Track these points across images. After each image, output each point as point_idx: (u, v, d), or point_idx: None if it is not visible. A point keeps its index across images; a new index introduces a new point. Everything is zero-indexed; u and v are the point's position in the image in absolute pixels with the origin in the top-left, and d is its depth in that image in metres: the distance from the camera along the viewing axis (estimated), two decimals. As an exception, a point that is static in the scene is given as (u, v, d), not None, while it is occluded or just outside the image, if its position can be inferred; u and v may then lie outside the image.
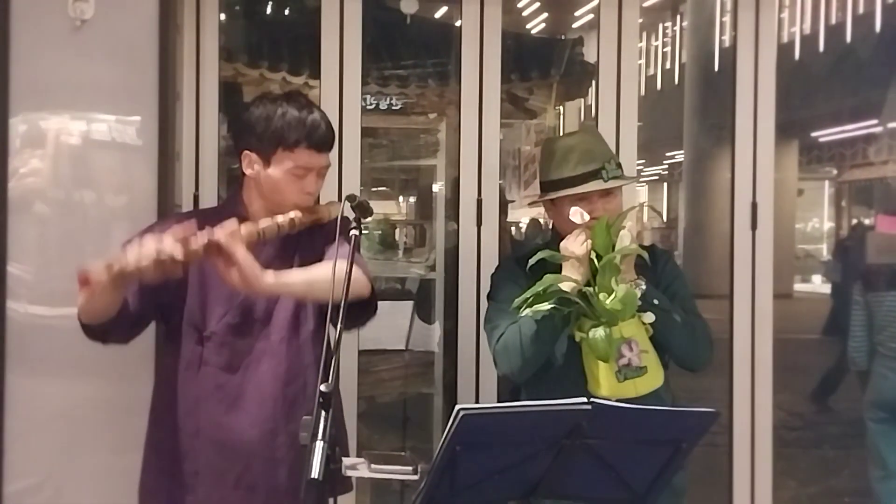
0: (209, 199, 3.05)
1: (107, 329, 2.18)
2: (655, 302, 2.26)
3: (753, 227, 3.32)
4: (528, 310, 2.21)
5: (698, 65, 15.98)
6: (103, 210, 2.77)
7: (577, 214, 2.27)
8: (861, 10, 16.18)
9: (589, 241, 2.22)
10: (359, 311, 2.17)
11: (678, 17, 19.71)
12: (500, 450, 1.74)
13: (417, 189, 7.04)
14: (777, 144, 3.37)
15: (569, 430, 1.73)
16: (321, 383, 1.73)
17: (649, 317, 2.24)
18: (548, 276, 2.21)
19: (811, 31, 17.92)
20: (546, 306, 2.20)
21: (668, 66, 21.38)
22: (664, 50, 21.57)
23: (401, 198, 8.40)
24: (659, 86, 21.26)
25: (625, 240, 2.21)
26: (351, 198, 2.07)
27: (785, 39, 17.69)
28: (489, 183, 3.24)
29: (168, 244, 1.97)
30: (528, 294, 2.20)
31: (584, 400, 1.72)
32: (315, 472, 1.64)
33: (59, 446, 2.76)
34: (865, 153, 17.02)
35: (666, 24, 20.99)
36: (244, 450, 2.21)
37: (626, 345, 2.19)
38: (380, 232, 6.77)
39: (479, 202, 3.22)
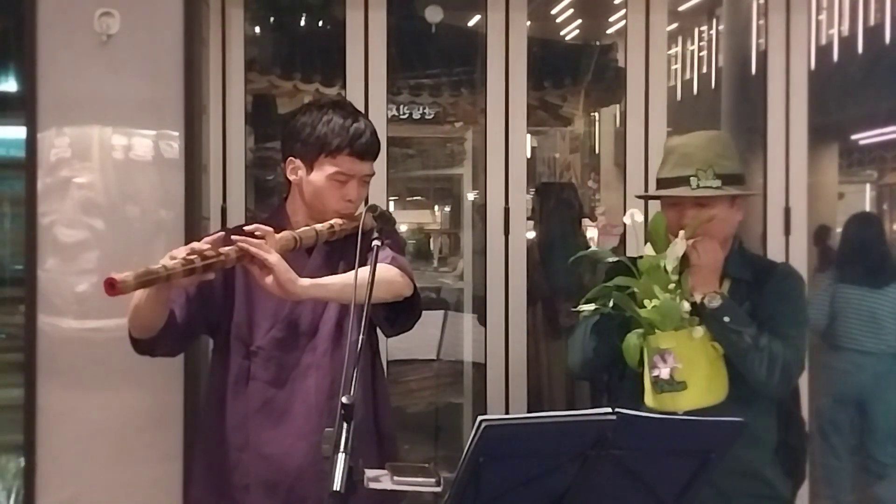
0: (237, 211, 3.07)
1: (155, 342, 2.17)
2: (725, 319, 2.14)
3: (787, 232, 3.27)
4: (582, 306, 2.21)
5: (734, 69, 15.75)
6: (132, 222, 2.79)
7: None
8: (901, 10, 15.90)
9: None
10: (402, 312, 2.19)
11: (714, 20, 19.53)
12: (523, 461, 1.71)
13: (451, 198, 7.02)
14: (816, 148, 3.33)
15: (594, 441, 1.69)
16: (343, 395, 1.71)
17: (697, 332, 2.12)
18: (619, 277, 2.17)
19: (849, 32, 17.65)
20: (591, 306, 2.19)
21: (704, 70, 21.17)
22: (700, 54, 21.36)
23: (436, 207, 8.37)
24: (695, 90, 21.07)
25: (677, 248, 2.13)
26: (372, 208, 2.06)
27: (823, 41, 17.44)
28: (516, 191, 3.22)
29: (197, 247, 1.98)
30: (592, 292, 2.20)
31: (609, 410, 1.69)
32: (337, 485, 1.63)
33: (91, 458, 2.78)
34: (906, 156, 16.73)
35: (702, 28, 20.78)
36: (293, 462, 2.19)
37: (660, 356, 2.11)
38: (414, 241, 6.75)
39: (507, 210, 3.20)
